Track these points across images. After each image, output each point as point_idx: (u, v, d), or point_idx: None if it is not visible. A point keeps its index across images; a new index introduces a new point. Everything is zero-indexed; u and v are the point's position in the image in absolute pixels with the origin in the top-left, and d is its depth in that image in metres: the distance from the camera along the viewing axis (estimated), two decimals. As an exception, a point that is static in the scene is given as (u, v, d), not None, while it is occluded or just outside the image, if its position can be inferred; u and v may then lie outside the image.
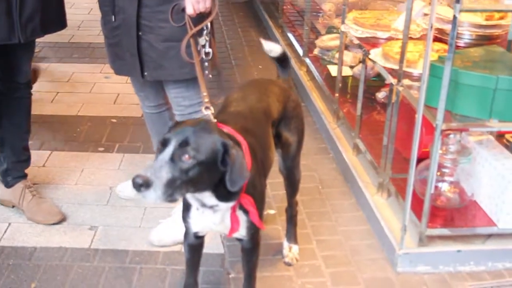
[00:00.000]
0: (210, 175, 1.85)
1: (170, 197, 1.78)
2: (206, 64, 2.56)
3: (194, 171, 1.78)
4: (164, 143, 1.81)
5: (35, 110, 3.02)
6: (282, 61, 2.61)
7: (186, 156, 1.77)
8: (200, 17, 2.51)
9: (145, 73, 2.68)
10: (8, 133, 2.97)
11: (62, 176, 3.31)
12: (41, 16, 2.67)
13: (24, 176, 3.04)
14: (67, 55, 4.84)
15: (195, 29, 2.49)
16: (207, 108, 2.17)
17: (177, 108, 2.77)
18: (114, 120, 3.93)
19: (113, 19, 2.67)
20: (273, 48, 2.58)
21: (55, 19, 2.80)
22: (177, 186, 1.77)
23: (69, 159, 3.47)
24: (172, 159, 1.77)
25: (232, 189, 1.86)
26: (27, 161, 3.05)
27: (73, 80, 4.49)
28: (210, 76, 2.59)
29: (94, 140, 3.64)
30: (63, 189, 3.19)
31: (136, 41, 2.62)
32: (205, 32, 2.54)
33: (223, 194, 1.91)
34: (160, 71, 2.67)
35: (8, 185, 3.01)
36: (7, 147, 2.98)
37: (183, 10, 2.49)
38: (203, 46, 2.55)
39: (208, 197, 1.93)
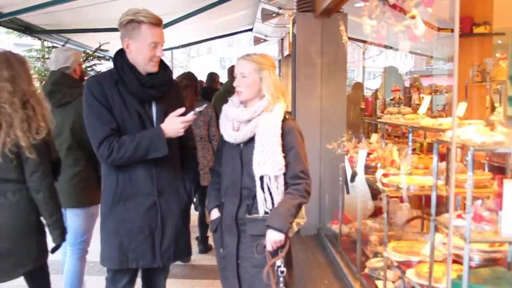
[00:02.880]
0: None
1: None
2: (281, 279, 2.57)
3: None
4: None
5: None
6: None
7: None
8: (278, 247, 2.59)
9: None
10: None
11: None
12: (174, 247, 2.80)
13: None
14: (189, 277, 4.95)
15: (272, 261, 2.56)
16: None
17: None
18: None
19: (221, 251, 2.79)
20: None
21: (184, 249, 2.90)
22: None
23: None
24: None
25: None
26: None
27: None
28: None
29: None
30: None
31: (236, 267, 2.71)
32: (280, 255, 2.58)
33: None
34: None
35: None
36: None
37: (265, 246, 2.59)
38: (279, 266, 2.58)
39: None
